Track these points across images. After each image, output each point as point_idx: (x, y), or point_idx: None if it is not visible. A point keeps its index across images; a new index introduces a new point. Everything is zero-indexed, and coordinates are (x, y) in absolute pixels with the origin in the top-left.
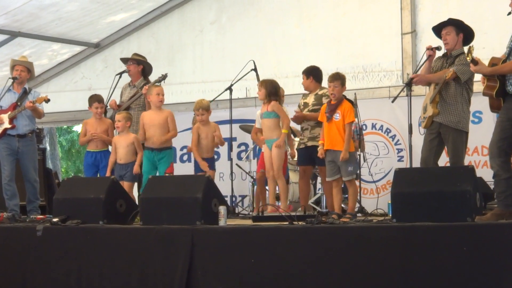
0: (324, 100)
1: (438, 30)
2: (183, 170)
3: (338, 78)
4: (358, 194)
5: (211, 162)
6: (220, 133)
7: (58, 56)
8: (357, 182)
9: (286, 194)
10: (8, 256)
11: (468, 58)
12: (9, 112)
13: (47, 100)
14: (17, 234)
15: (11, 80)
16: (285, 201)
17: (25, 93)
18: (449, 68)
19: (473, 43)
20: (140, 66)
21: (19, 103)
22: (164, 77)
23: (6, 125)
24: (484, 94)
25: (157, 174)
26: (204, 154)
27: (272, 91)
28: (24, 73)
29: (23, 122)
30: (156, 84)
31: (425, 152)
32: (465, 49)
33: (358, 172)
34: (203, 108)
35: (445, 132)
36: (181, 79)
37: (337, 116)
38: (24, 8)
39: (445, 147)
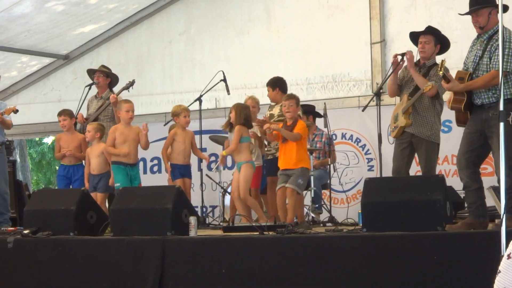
0: None
1: (415, 37)
2: (154, 181)
3: (293, 98)
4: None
5: (187, 169)
6: (195, 141)
7: (27, 68)
8: (327, 192)
9: (260, 210)
10: None
11: (440, 72)
12: None
13: (16, 111)
14: None
15: None
16: (263, 217)
17: None
18: (427, 80)
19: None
20: (108, 79)
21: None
22: (131, 83)
23: None
24: (452, 108)
25: None
26: (181, 161)
27: (239, 119)
28: None
29: None
30: (126, 99)
31: (397, 162)
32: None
33: (318, 188)
34: (187, 110)
35: (417, 142)
36: (151, 90)
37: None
38: None
39: (415, 156)
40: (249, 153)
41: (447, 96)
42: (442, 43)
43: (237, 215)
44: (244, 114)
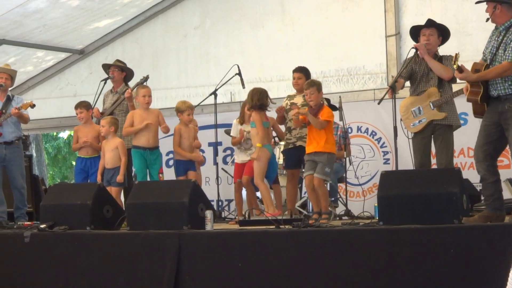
0: None
1: (415, 32)
2: (170, 174)
3: (314, 85)
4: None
5: (191, 163)
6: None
7: (43, 63)
8: (343, 185)
9: (270, 200)
10: None
11: (454, 66)
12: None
13: (33, 106)
14: (5, 240)
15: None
16: (271, 206)
17: (8, 100)
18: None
19: (458, 45)
20: (123, 73)
21: (3, 111)
22: (145, 79)
23: None
24: (468, 100)
25: (148, 175)
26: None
27: (255, 103)
28: (8, 81)
29: (8, 129)
30: (143, 85)
31: (421, 156)
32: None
33: (334, 181)
34: (191, 108)
35: (441, 130)
36: (166, 85)
37: None
38: (7, 16)
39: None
40: (266, 137)
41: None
42: (444, 35)
43: (253, 209)
44: (257, 97)
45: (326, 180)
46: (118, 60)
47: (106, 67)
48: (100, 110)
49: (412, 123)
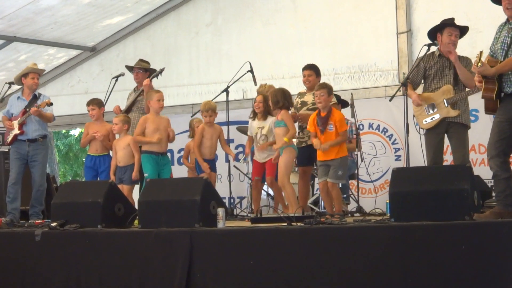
0: None
1: (434, 31)
2: (181, 172)
3: (325, 87)
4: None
5: (212, 164)
6: (223, 136)
7: (54, 60)
8: (354, 182)
9: (295, 199)
10: (7, 261)
11: (479, 63)
12: (19, 118)
13: (50, 104)
14: (16, 239)
15: (12, 87)
16: (295, 206)
17: (34, 99)
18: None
19: (469, 42)
20: (147, 73)
21: (27, 109)
22: (161, 70)
23: (16, 131)
24: (483, 96)
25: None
26: (207, 156)
27: (279, 100)
28: (38, 81)
29: (32, 127)
30: (156, 89)
31: (435, 153)
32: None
33: (346, 179)
34: (212, 110)
35: (456, 128)
36: (178, 82)
37: (331, 127)
38: (19, 13)
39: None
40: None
41: None
42: (462, 35)
43: (264, 206)
44: (284, 97)
45: (339, 182)
46: (141, 60)
47: (129, 68)
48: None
49: (424, 120)
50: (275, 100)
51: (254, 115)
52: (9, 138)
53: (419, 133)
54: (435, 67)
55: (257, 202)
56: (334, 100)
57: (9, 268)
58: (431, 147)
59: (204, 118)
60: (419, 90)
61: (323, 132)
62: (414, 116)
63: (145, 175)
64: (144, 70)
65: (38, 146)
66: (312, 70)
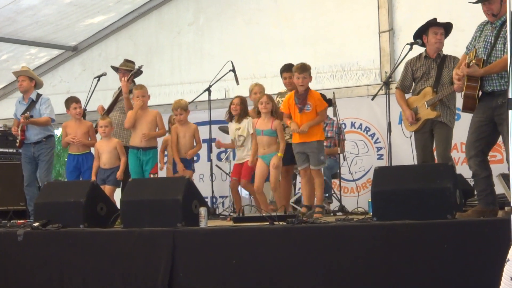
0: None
1: (421, 30)
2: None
3: (308, 69)
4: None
5: (188, 162)
6: (198, 135)
7: (36, 60)
8: (337, 181)
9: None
10: None
11: (474, 61)
12: (20, 124)
13: (27, 117)
14: None
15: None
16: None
17: (32, 102)
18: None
19: (452, 40)
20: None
21: (24, 114)
22: (138, 68)
23: (20, 137)
24: (466, 95)
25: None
26: (182, 154)
27: (274, 108)
28: (25, 83)
29: (33, 132)
30: (137, 85)
31: (423, 151)
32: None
33: (328, 177)
34: (181, 108)
35: (439, 127)
36: (159, 81)
37: (308, 107)
38: (0, 13)
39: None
40: (276, 145)
41: None
42: (447, 33)
43: (247, 206)
44: (275, 104)
45: (323, 166)
46: (127, 60)
47: (115, 68)
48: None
49: (410, 123)
50: (275, 109)
51: (231, 116)
52: (17, 143)
53: (406, 136)
54: (421, 70)
55: (238, 203)
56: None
57: None
58: (419, 147)
59: (175, 117)
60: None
61: (301, 111)
62: (402, 120)
63: None
64: (128, 72)
65: (42, 146)
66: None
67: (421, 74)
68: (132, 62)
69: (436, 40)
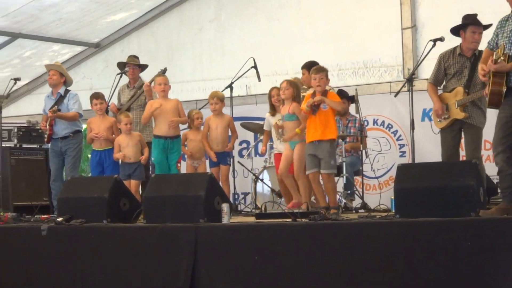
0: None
1: (457, 28)
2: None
3: (324, 70)
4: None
5: (222, 156)
6: (233, 125)
7: (58, 57)
8: (359, 178)
9: (308, 192)
10: (13, 256)
11: (502, 57)
12: (48, 119)
13: (55, 111)
14: (22, 234)
15: (17, 83)
16: (307, 199)
17: (61, 97)
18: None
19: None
20: (139, 69)
21: (52, 109)
22: (163, 71)
23: (48, 131)
24: (491, 91)
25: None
26: (214, 147)
27: (296, 93)
28: (55, 77)
29: (61, 127)
30: (159, 73)
31: (449, 149)
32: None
33: (350, 174)
34: (217, 97)
35: (469, 128)
36: (181, 78)
37: (325, 106)
38: (24, 10)
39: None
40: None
41: None
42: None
43: (268, 202)
44: (298, 90)
45: (333, 172)
46: (132, 56)
47: (121, 65)
48: (116, 105)
49: (438, 119)
50: (296, 93)
51: (273, 109)
52: (46, 138)
53: (434, 132)
54: (454, 67)
55: (286, 196)
56: (329, 85)
57: (15, 262)
58: (445, 145)
59: (210, 106)
60: (422, 85)
61: (315, 113)
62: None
63: (152, 159)
64: (137, 66)
65: (70, 140)
66: (305, 68)
67: (453, 72)
68: (137, 57)
69: (474, 39)
